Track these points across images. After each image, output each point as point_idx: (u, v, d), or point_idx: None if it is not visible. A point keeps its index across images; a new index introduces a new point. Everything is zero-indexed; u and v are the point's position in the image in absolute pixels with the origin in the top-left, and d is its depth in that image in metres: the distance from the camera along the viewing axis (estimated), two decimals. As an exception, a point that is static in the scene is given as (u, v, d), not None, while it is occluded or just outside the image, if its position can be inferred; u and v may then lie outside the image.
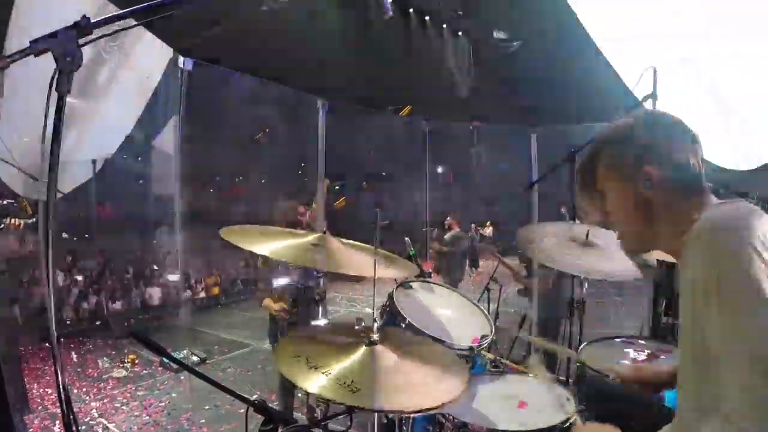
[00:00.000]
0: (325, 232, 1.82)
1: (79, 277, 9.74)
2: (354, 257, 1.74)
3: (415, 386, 1.30)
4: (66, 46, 0.72)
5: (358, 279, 3.45)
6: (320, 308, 3.43)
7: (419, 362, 1.42)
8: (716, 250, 0.91)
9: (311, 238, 1.78)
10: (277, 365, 1.32)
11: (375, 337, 1.42)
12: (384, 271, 1.72)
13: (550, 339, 4.08)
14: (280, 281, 3.32)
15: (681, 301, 1.03)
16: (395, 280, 2.12)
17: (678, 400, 1.08)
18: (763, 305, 0.83)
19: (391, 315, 1.99)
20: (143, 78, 4.89)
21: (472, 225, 13.37)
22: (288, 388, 3.29)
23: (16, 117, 3.87)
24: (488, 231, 13.35)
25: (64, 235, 9.98)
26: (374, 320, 1.49)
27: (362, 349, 1.38)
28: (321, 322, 3.40)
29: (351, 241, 1.83)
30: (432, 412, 1.39)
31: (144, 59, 4.84)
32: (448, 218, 7.13)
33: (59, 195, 2.83)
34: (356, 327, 1.47)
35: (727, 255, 0.89)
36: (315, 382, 1.23)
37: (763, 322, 0.83)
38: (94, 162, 5.43)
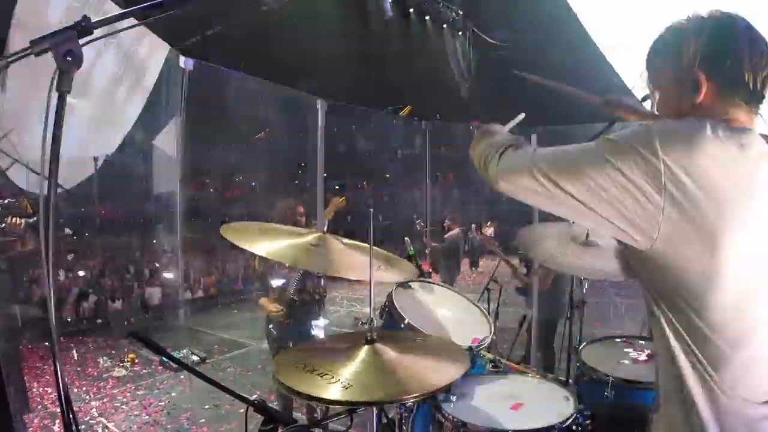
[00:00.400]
0: (324, 232, 1.82)
1: (80, 275, 9.75)
2: (353, 259, 1.73)
3: (416, 375, 1.31)
4: (66, 45, 0.72)
5: (358, 279, 3.44)
6: (320, 308, 3.43)
7: (418, 354, 1.43)
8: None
9: (311, 238, 1.77)
10: (279, 376, 1.30)
11: (374, 335, 1.42)
12: (383, 274, 1.71)
13: (549, 338, 4.10)
14: (279, 281, 3.31)
15: None
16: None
17: None
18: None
19: (391, 315, 2.00)
20: (141, 76, 4.89)
21: (473, 225, 13.37)
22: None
23: (17, 115, 3.87)
24: (489, 231, 13.34)
25: (68, 230, 9.96)
26: (371, 319, 1.49)
27: (362, 349, 1.39)
28: (321, 322, 3.40)
29: (351, 241, 1.83)
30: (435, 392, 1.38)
31: (142, 57, 4.84)
32: (446, 220, 7.13)
33: (61, 189, 2.84)
34: (356, 325, 1.48)
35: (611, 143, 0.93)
36: (319, 388, 1.23)
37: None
38: (95, 159, 5.42)
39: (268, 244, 1.69)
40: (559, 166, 0.96)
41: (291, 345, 3.07)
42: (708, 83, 0.97)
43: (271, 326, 3.31)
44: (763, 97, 0.98)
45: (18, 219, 2.64)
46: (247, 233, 1.76)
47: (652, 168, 0.87)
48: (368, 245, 1.52)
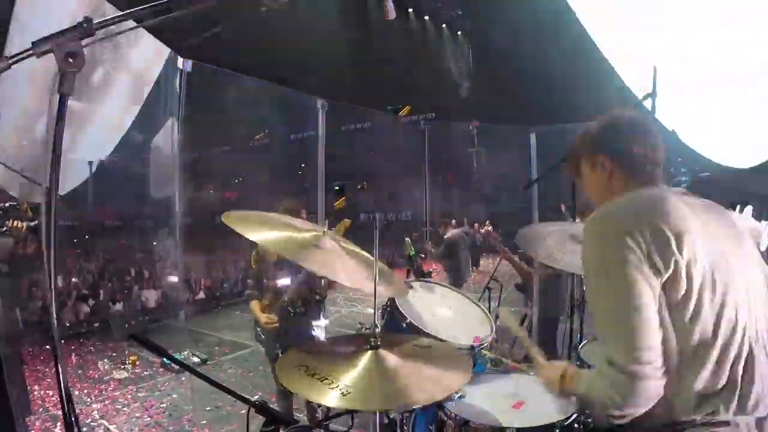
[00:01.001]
0: (325, 232, 1.81)
1: (80, 278, 9.74)
2: (349, 264, 1.70)
3: (420, 382, 1.31)
4: (68, 47, 0.72)
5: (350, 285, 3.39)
6: (320, 308, 3.41)
7: (422, 360, 1.43)
8: (588, 235, 1.22)
9: (310, 235, 1.75)
10: (282, 381, 1.30)
11: (378, 341, 1.42)
12: (371, 284, 1.68)
13: (550, 337, 4.09)
14: (285, 280, 3.26)
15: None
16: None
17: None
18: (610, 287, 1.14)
19: (392, 315, 1.99)
20: (138, 78, 4.88)
21: (476, 225, 13.38)
22: (287, 390, 3.24)
23: (13, 119, 3.87)
24: (483, 230, 13.33)
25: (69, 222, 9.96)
26: (375, 324, 1.49)
27: (366, 355, 1.38)
28: (321, 322, 3.38)
29: (351, 246, 1.81)
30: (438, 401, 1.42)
31: (138, 59, 4.83)
32: (443, 221, 7.12)
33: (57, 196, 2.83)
34: (359, 330, 1.47)
35: (591, 242, 1.21)
36: (323, 395, 1.22)
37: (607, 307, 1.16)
38: (90, 163, 5.41)
39: (268, 233, 1.68)
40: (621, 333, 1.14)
41: (285, 348, 2.98)
42: (612, 163, 1.34)
43: (258, 329, 3.25)
44: (656, 163, 1.31)
45: (19, 222, 2.64)
46: (249, 222, 1.74)
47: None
48: (366, 254, 1.51)
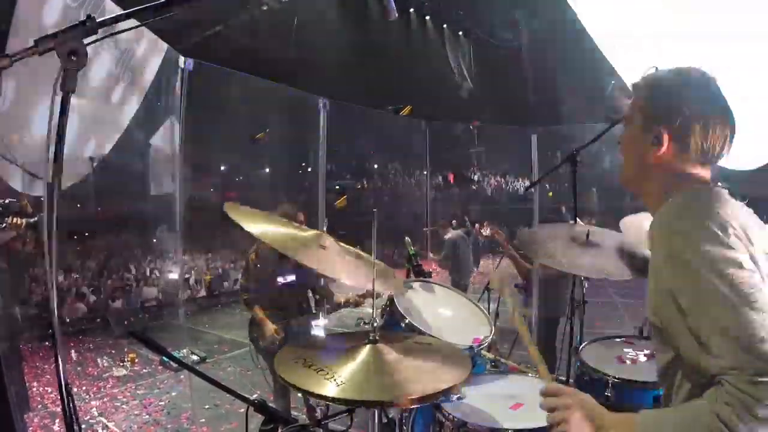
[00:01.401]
0: (324, 231, 1.82)
1: (79, 275, 9.75)
2: (348, 262, 1.71)
3: (419, 377, 1.31)
4: (71, 45, 0.73)
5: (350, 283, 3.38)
6: (320, 308, 3.41)
7: (420, 355, 1.43)
8: (680, 227, 0.98)
9: (311, 234, 1.77)
10: (281, 375, 1.30)
11: (376, 335, 1.43)
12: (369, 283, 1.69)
13: (550, 338, 4.09)
14: (274, 283, 3.24)
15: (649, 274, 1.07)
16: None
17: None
18: (719, 282, 0.89)
19: (392, 315, 2.00)
20: (138, 75, 4.88)
21: (476, 225, 13.37)
22: (285, 389, 3.23)
23: (17, 115, 3.86)
24: (488, 230, 13.32)
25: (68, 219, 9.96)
26: (374, 319, 1.50)
27: (364, 349, 1.39)
28: (321, 322, 3.38)
29: (348, 246, 1.81)
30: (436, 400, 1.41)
31: (139, 56, 4.83)
32: (442, 221, 7.10)
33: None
34: (358, 325, 1.48)
35: (687, 232, 0.96)
36: (323, 387, 1.23)
37: (724, 302, 0.88)
38: (92, 159, 5.41)
39: (269, 228, 1.69)
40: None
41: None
42: (670, 142, 1.07)
43: (256, 335, 3.21)
44: (715, 157, 1.07)
45: (18, 219, 2.64)
46: (250, 216, 1.74)
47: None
48: (364, 254, 1.51)
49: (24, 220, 2.65)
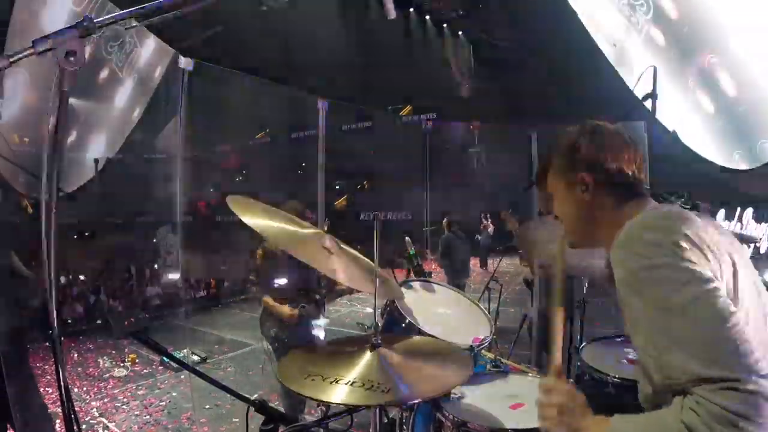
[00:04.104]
0: (325, 231, 1.82)
1: (80, 276, 9.74)
2: (348, 264, 1.72)
3: (422, 379, 1.32)
4: (68, 45, 0.72)
5: (348, 285, 3.39)
6: (320, 308, 3.41)
7: (422, 360, 1.43)
8: (633, 248, 0.99)
9: (311, 232, 1.76)
10: (287, 384, 1.30)
11: (378, 340, 1.43)
12: (369, 287, 1.68)
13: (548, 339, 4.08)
14: (281, 280, 3.26)
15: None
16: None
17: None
18: (684, 295, 0.90)
19: (392, 315, 1.99)
20: (144, 77, 4.90)
21: (483, 222, 13.38)
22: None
23: (17, 116, 3.88)
24: (490, 229, 13.32)
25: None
26: (376, 323, 1.49)
27: (366, 353, 1.39)
28: (321, 322, 3.38)
29: (349, 249, 1.80)
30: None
31: (145, 59, 4.85)
32: (444, 219, 7.08)
33: (61, 194, 2.82)
34: (360, 331, 1.48)
35: (641, 252, 0.97)
36: (329, 392, 1.23)
37: (687, 311, 0.89)
38: (96, 161, 5.43)
39: (270, 223, 1.68)
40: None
41: (294, 345, 2.98)
42: (593, 180, 1.14)
43: (274, 329, 3.19)
44: (640, 180, 1.14)
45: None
46: (252, 210, 1.71)
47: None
48: (364, 258, 1.51)
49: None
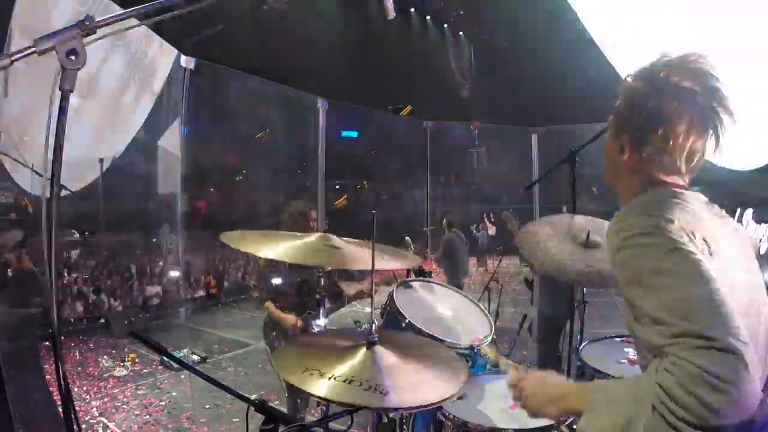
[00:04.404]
0: (325, 231, 1.83)
1: (81, 275, 9.75)
2: (355, 252, 1.73)
3: (417, 383, 1.30)
4: (70, 44, 0.73)
5: (358, 280, 3.37)
6: (320, 308, 3.40)
7: (419, 361, 1.42)
8: (626, 219, 1.02)
9: (312, 238, 1.78)
10: (283, 375, 1.30)
11: (375, 337, 1.42)
12: (386, 263, 1.72)
13: (553, 338, 4.08)
14: (280, 281, 3.24)
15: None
16: (394, 275, 2.10)
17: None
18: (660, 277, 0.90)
19: (392, 314, 2.00)
20: (149, 78, 4.90)
21: (484, 219, 13.38)
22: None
23: (19, 115, 3.88)
24: (492, 230, 13.33)
25: (75, 234, 10.03)
26: (373, 321, 1.49)
27: (363, 351, 1.38)
28: (321, 321, 3.37)
29: (351, 239, 1.83)
30: (434, 406, 1.40)
31: (150, 59, 4.85)
32: (444, 220, 7.09)
33: (66, 192, 2.82)
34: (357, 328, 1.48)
35: (632, 223, 1.00)
36: (323, 387, 1.23)
37: (663, 296, 0.89)
38: (101, 161, 5.42)
39: (274, 246, 1.69)
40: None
41: None
42: (632, 150, 1.12)
43: (274, 333, 3.13)
44: (686, 164, 1.09)
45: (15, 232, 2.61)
46: (250, 239, 1.76)
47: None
48: (367, 242, 1.51)
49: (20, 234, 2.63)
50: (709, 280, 0.88)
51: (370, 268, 1.50)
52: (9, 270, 2.81)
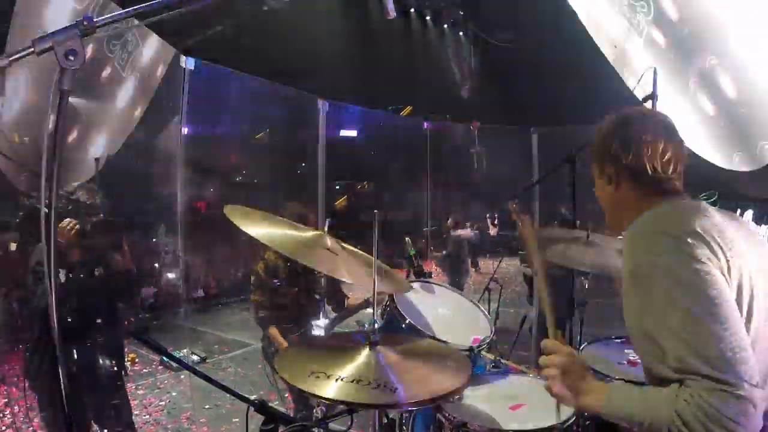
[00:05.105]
0: (325, 231, 1.82)
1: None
2: (350, 262, 1.72)
3: (424, 377, 1.31)
4: (68, 44, 0.72)
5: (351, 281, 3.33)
6: (320, 308, 3.40)
7: (421, 357, 1.43)
8: (642, 240, 1.05)
9: (311, 234, 1.77)
10: (286, 378, 1.30)
11: (376, 337, 1.42)
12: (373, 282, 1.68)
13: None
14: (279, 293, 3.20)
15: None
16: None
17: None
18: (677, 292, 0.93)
19: (392, 315, 2.00)
20: (146, 77, 4.89)
21: (487, 219, 13.36)
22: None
23: (17, 115, 3.87)
24: (494, 231, 13.34)
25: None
26: (374, 321, 1.49)
27: (365, 351, 1.38)
28: (321, 322, 3.37)
29: (350, 247, 1.81)
30: (436, 402, 1.41)
31: (147, 58, 4.84)
32: (450, 219, 7.10)
33: (61, 191, 2.82)
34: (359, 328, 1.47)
35: (649, 245, 1.02)
36: (332, 389, 1.22)
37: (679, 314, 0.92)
38: (97, 160, 5.41)
39: (269, 230, 1.68)
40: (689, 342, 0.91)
41: None
42: (617, 175, 1.21)
43: (273, 350, 3.12)
44: (666, 176, 1.16)
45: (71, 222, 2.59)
46: (250, 218, 1.73)
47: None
48: (365, 254, 1.51)
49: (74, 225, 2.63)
50: (728, 317, 0.91)
51: (357, 282, 1.49)
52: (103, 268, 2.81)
